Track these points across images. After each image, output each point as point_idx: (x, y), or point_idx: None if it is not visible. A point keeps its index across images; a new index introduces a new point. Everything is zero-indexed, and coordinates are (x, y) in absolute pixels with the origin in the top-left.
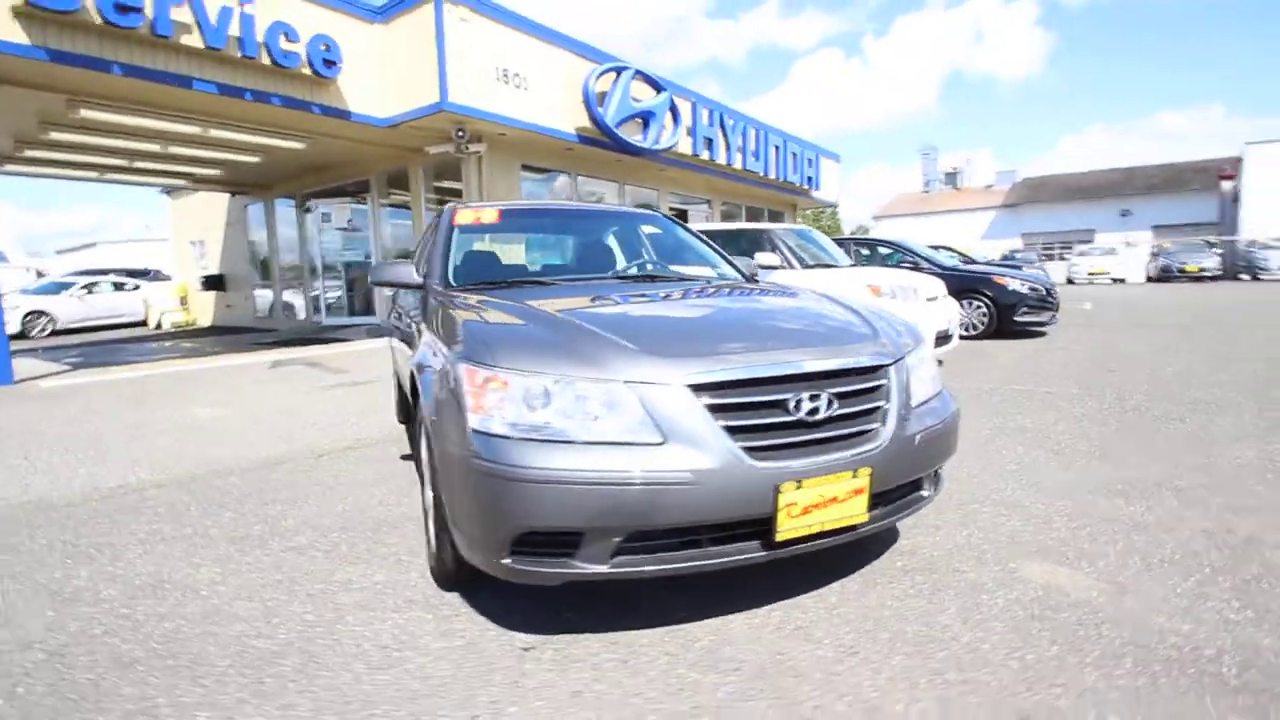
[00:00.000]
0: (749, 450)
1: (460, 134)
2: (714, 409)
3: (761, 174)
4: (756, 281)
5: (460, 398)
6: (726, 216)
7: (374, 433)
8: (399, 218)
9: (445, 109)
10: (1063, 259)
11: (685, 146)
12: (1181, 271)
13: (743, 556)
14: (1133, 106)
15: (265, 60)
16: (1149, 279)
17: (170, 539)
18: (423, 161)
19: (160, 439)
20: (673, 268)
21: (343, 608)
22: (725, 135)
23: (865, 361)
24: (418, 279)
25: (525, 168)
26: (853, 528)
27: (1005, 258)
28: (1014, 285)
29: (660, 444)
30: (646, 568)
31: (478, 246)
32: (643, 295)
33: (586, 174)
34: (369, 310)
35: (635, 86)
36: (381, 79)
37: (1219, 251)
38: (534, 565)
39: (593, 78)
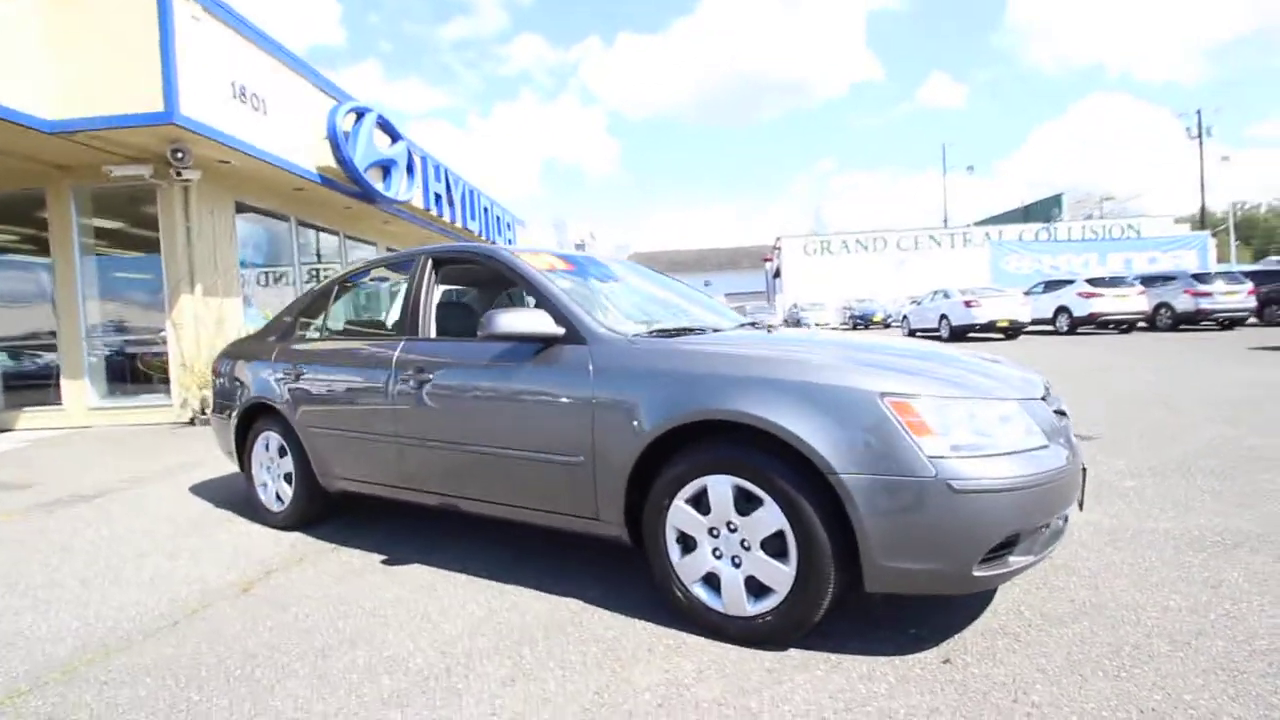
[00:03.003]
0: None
1: (179, 155)
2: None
3: (477, 233)
4: None
5: (900, 430)
6: None
7: (266, 551)
8: (9, 267)
9: (175, 122)
10: None
11: (418, 201)
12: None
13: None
14: (687, 198)
15: None
16: None
17: None
18: (75, 184)
19: None
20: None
21: (753, 712)
22: (450, 193)
23: None
24: (558, 329)
25: (241, 206)
26: None
27: None
28: None
29: (1046, 446)
30: (1044, 552)
31: None
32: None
33: (308, 219)
34: None
35: (376, 133)
36: (51, 65)
37: (776, 311)
38: (993, 570)
39: (339, 115)
